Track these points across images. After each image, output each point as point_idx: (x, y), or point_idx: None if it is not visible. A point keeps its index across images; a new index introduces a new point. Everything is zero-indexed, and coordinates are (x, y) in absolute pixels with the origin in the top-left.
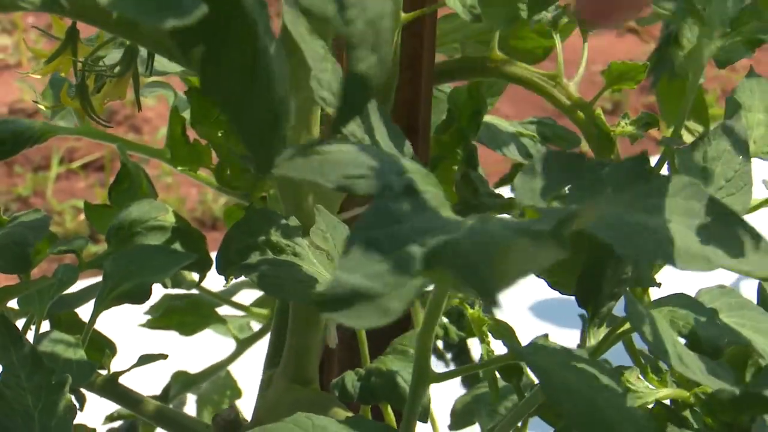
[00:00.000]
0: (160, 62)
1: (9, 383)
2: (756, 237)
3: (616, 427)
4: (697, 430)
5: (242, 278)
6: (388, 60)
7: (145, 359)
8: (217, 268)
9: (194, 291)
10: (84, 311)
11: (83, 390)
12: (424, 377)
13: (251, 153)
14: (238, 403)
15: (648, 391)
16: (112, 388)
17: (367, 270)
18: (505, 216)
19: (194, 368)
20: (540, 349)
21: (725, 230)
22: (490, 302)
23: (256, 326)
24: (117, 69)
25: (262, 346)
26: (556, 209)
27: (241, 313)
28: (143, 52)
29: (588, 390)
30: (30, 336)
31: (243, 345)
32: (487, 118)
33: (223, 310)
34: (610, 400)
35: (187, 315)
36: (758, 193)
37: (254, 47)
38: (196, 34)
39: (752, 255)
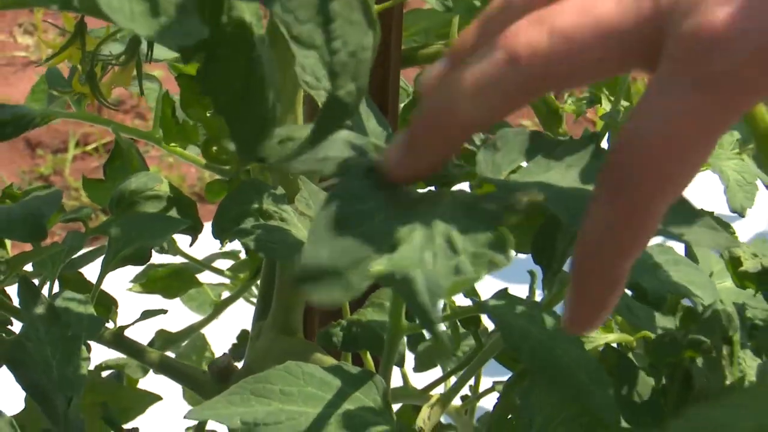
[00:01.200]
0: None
1: (30, 336)
2: (699, 212)
3: (571, 372)
4: (643, 369)
5: (219, 250)
6: (364, 88)
7: (147, 314)
8: (213, 234)
9: (177, 260)
10: (90, 274)
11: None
12: (399, 328)
13: (240, 149)
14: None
15: (597, 336)
16: (119, 341)
17: (332, 247)
18: (461, 189)
19: (179, 323)
20: (502, 303)
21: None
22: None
23: (225, 294)
24: (122, 58)
25: (232, 311)
26: (509, 183)
27: (216, 281)
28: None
29: (546, 339)
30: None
31: (219, 308)
32: None
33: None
34: (565, 348)
35: (170, 280)
36: None
37: (249, 57)
38: (197, 46)
39: (696, 227)
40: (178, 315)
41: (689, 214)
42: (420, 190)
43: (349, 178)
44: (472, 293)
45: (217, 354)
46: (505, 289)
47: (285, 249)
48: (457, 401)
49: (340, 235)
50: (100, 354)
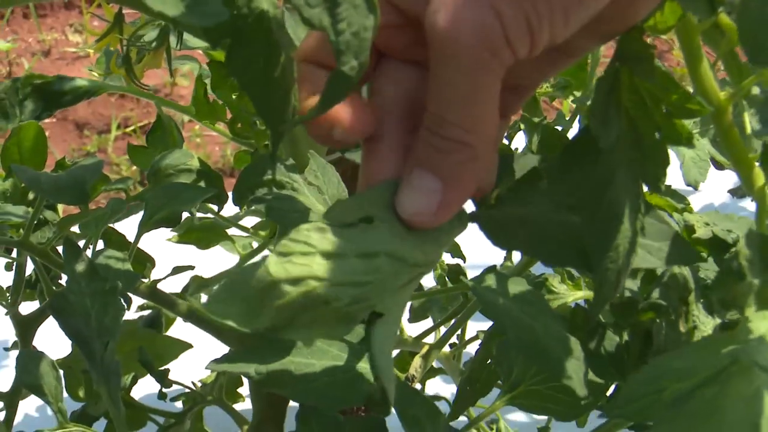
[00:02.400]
0: (190, 40)
1: (73, 289)
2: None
3: (548, 348)
4: (610, 326)
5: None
6: (365, 64)
7: (177, 269)
8: (233, 200)
9: (209, 215)
10: (129, 234)
11: (130, 294)
12: None
13: (266, 122)
14: None
15: (566, 293)
16: (153, 293)
17: None
18: None
19: (208, 275)
20: (485, 280)
21: None
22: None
23: (255, 244)
24: (154, 44)
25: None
26: None
27: (245, 234)
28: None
29: (527, 321)
30: (88, 253)
31: (245, 258)
32: None
33: (231, 232)
34: (545, 327)
35: (203, 233)
36: None
37: (268, 41)
38: (223, 30)
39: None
40: (213, 263)
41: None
42: None
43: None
44: (457, 254)
45: None
46: (493, 267)
47: (293, 215)
48: (446, 348)
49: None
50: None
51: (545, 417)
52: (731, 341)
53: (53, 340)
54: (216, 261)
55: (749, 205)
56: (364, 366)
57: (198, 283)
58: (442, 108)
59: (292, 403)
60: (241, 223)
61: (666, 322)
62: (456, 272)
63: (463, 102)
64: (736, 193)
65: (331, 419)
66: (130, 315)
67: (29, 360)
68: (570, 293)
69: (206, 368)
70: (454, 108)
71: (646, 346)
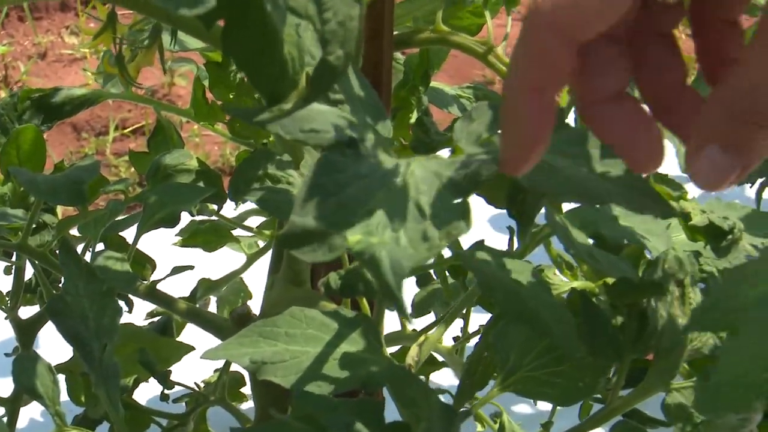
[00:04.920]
0: (187, 41)
1: (70, 291)
2: (646, 188)
3: (537, 312)
4: (606, 310)
5: (251, 207)
6: (352, 53)
7: (177, 270)
8: (229, 195)
9: (214, 218)
10: (129, 236)
11: (131, 296)
12: None
13: (264, 95)
14: (249, 303)
15: (563, 283)
16: (152, 293)
17: (316, 212)
18: (438, 155)
19: (215, 276)
20: (476, 253)
21: (623, 177)
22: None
23: (261, 244)
24: (146, 42)
25: (266, 259)
26: (479, 151)
27: (250, 234)
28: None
29: (513, 283)
30: (88, 255)
31: (252, 258)
32: (434, 83)
33: (237, 232)
34: (532, 292)
35: (209, 235)
36: None
37: (263, 19)
38: (216, 12)
39: (639, 198)
40: (219, 265)
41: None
42: (397, 161)
43: (331, 150)
44: (455, 244)
45: (255, 294)
46: (482, 241)
47: (287, 208)
48: (450, 342)
49: (321, 202)
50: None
51: (549, 409)
52: None
53: (54, 345)
54: (222, 262)
55: (750, 192)
56: (358, 351)
57: (206, 286)
58: (757, 81)
59: None
60: (245, 223)
61: (661, 303)
62: (455, 268)
63: None
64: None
65: (325, 401)
66: (140, 322)
67: (25, 363)
68: (566, 283)
69: (202, 357)
70: None
71: (641, 328)
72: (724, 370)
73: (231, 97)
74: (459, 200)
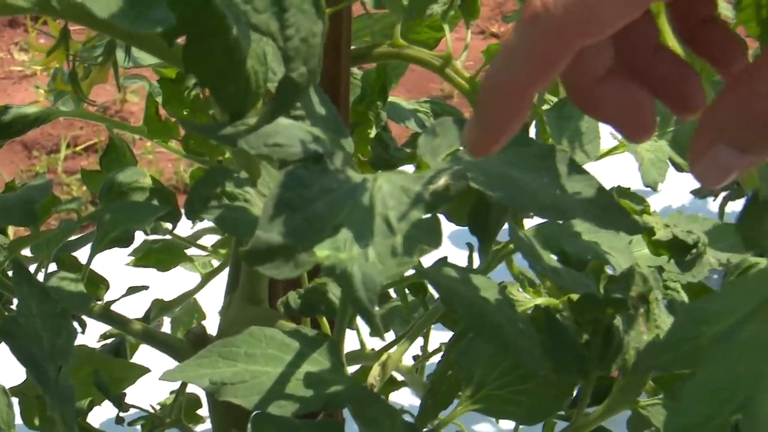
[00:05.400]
0: (140, 57)
1: (23, 312)
2: (610, 202)
3: (501, 328)
4: (570, 327)
5: (206, 226)
6: (316, 70)
7: (132, 290)
8: (185, 213)
9: (168, 237)
10: (82, 256)
11: (84, 317)
12: None
13: (227, 113)
14: (204, 323)
15: (526, 300)
16: (106, 314)
17: (282, 228)
18: (404, 170)
19: (169, 297)
20: (439, 269)
21: (586, 191)
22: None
23: (215, 263)
24: (100, 59)
25: (220, 278)
26: (445, 167)
27: (204, 253)
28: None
29: (478, 299)
30: (41, 275)
31: (206, 278)
32: (392, 98)
33: (191, 251)
34: (496, 307)
35: (162, 255)
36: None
37: (225, 33)
38: (178, 28)
39: (605, 213)
40: (173, 285)
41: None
42: (363, 175)
43: (297, 165)
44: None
45: (210, 315)
46: (445, 258)
47: (245, 226)
48: (410, 361)
49: (287, 217)
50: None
51: (511, 427)
52: (760, 277)
53: (8, 367)
54: (176, 282)
55: (713, 206)
56: (320, 371)
57: (160, 307)
58: None
59: None
60: (200, 242)
61: (626, 320)
62: (416, 285)
63: None
64: (699, 193)
65: (286, 422)
66: (93, 344)
67: None
68: (529, 300)
69: (160, 379)
70: None
71: (606, 344)
72: (689, 411)
73: (185, 113)
74: (428, 215)
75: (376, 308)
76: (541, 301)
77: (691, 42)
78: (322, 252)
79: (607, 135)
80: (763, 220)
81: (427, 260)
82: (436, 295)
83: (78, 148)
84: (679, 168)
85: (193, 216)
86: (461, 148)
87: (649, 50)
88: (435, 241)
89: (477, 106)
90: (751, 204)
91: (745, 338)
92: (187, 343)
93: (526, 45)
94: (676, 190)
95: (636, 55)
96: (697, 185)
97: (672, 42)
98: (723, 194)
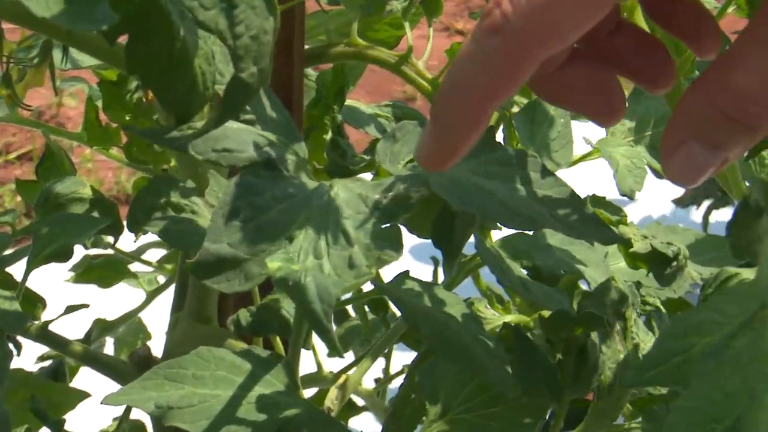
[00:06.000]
0: (79, 59)
1: None
2: (583, 211)
3: (468, 347)
4: (542, 346)
5: (150, 239)
6: (267, 71)
7: (70, 309)
8: (127, 226)
9: (109, 252)
10: (17, 272)
11: (19, 338)
12: None
13: (174, 114)
14: (149, 344)
15: (495, 318)
16: (44, 335)
17: (232, 238)
18: (362, 178)
19: (111, 316)
20: (401, 284)
21: (558, 200)
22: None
23: (161, 280)
24: (35, 60)
25: (167, 296)
26: (404, 174)
27: (149, 269)
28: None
29: (442, 316)
30: None
31: (151, 295)
32: (350, 102)
33: (135, 267)
34: (462, 325)
35: (104, 271)
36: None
37: (171, 31)
38: (120, 27)
39: (579, 223)
40: (116, 303)
41: (579, 211)
42: (319, 183)
43: (247, 171)
44: (375, 276)
45: (155, 335)
46: (407, 272)
47: (192, 239)
48: (371, 384)
49: (238, 227)
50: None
51: None
52: (751, 288)
53: None
54: (119, 300)
55: (696, 215)
56: (273, 394)
57: (102, 326)
58: (750, 84)
59: None
60: (144, 257)
61: (601, 337)
62: (376, 302)
63: None
64: (681, 202)
65: None
66: (29, 366)
67: None
68: (498, 318)
69: (102, 403)
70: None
71: (580, 364)
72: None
73: (127, 118)
74: (387, 225)
75: (333, 324)
76: (510, 318)
77: (659, 17)
78: (274, 263)
79: (580, 140)
80: (753, 227)
81: (388, 275)
82: (398, 313)
83: (11, 156)
84: (658, 174)
85: (137, 229)
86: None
87: (611, 27)
88: (395, 251)
89: (432, 117)
90: (740, 210)
91: (736, 353)
92: (131, 365)
93: (486, 55)
94: (655, 198)
95: (598, 34)
96: (678, 193)
97: (639, 18)
98: (706, 203)
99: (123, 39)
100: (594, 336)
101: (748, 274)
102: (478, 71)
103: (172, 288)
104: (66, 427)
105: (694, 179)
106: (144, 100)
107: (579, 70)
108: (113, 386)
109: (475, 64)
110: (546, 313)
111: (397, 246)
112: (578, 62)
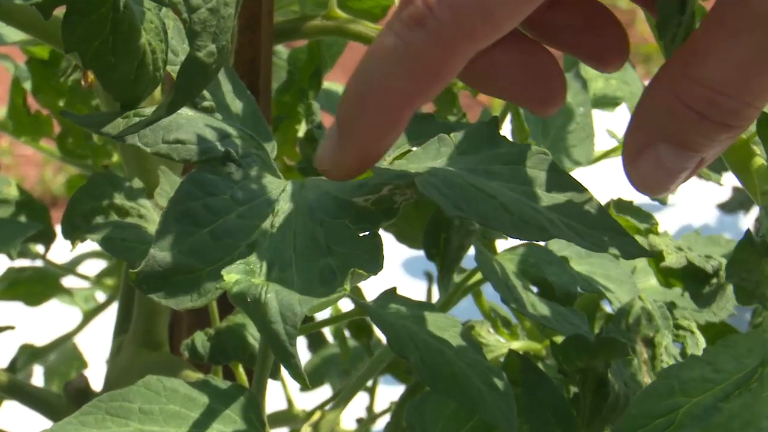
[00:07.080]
0: (4, 33)
1: None
2: (603, 219)
3: (465, 378)
4: (554, 378)
5: (88, 249)
6: (226, 49)
7: None
8: (62, 233)
9: (39, 263)
10: None
11: None
12: None
13: (117, 98)
14: (86, 373)
15: (499, 344)
16: None
17: (183, 246)
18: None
19: (41, 340)
20: (385, 303)
21: (572, 204)
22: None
23: (101, 297)
24: None
25: (108, 316)
26: (387, 171)
27: (86, 284)
28: None
29: (436, 342)
30: None
31: (89, 316)
32: (327, 84)
33: (70, 282)
34: (459, 353)
35: (32, 286)
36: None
37: (113, 5)
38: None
39: (599, 232)
40: (46, 324)
41: (599, 218)
42: (286, 182)
43: (203, 167)
44: (357, 294)
45: (93, 363)
46: (393, 289)
47: (139, 248)
48: (352, 424)
49: (190, 232)
50: None
51: None
52: (752, 340)
53: None
54: (50, 321)
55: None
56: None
57: (30, 353)
58: (722, 75)
59: None
60: (80, 270)
61: (624, 364)
62: (358, 326)
63: (759, 72)
64: (727, 207)
65: None
66: None
67: None
68: (503, 344)
69: None
70: (744, 78)
71: (599, 399)
72: None
73: (61, 104)
74: (366, 232)
75: (308, 351)
76: (517, 345)
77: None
78: (231, 276)
79: (603, 133)
80: (760, 267)
81: (372, 292)
82: (383, 339)
83: None
84: (699, 174)
85: (73, 236)
86: (414, 149)
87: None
88: (374, 264)
89: (338, 120)
90: (743, 248)
91: (727, 418)
92: (66, 399)
93: (407, 51)
94: (696, 203)
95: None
96: (724, 196)
97: None
98: (757, 208)
99: (59, 11)
100: (615, 367)
101: None
102: (397, 71)
103: (113, 307)
104: None
105: (664, 187)
106: (82, 82)
107: (510, 50)
108: (44, 422)
109: (393, 62)
110: (559, 339)
111: (377, 257)
112: (508, 41)
